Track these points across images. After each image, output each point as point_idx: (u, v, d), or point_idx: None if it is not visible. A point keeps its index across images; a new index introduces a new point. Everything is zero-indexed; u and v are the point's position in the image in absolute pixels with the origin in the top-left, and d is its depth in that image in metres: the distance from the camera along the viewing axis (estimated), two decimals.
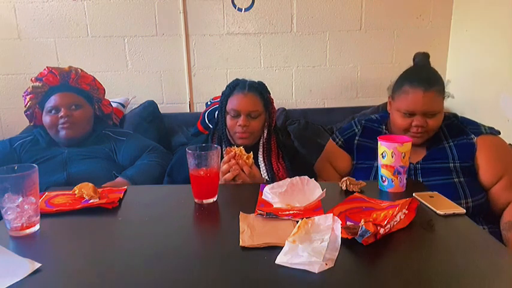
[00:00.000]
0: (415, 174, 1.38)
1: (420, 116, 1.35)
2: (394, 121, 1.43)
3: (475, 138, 1.39)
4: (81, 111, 1.64)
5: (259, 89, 1.52)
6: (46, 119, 1.63)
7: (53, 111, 1.61)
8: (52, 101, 1.62)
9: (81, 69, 1.71)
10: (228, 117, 1.49)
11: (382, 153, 1.15)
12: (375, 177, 1.40)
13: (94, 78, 1.74)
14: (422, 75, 1.39)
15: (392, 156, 1.13)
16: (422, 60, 1.45)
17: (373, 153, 1.41)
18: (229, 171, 1.26)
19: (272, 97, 1.57)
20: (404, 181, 1.15)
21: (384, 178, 1.16)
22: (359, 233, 0.82)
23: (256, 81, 1.56)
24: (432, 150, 1.41)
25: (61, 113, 1.59)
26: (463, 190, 1.32)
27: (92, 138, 1.68)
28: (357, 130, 1.55)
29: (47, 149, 1.63)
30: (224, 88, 1.56)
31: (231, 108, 1.47)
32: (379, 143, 1.16)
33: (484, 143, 1.38)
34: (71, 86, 1.67)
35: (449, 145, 1.41)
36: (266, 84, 1.57)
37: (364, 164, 1.48)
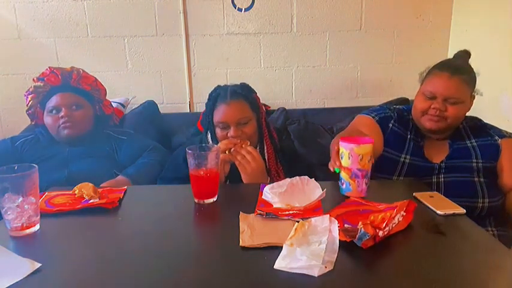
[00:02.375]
0: (438, 173, 1.37)
1: (441, 99, 1.34)
2: (415, 105, 1.43)
3: (499, 140, 1.40)
4: (82, 112, 1.65)
5: (243, 93, 1.43)
6: (47, 119, 1.64)
7: (53, 111, 1.62)
8: (53, 101, 1.63)
9: (82, 70, 1.71)
10: (217, 130, 1.42)
11: (340, 154, 1.09)
12: (399, 174, 1.39)
13: (95, 78, 1.74)
14: (453, 62, 1.41)
15: (349, 158, 1.06)
16: (460, 55, 1.45)
17: (401, 144, 1.41)
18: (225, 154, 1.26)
19: (269, 99, 1.53)
20: (364, 186, 1.08)
21: (342, 181, 1.10)
22: (358, 235, 0.82)
23: (239, 84, 1.48)
24: (455, 148, 1.41)
25: (62, 113, 1.60)
26: (482, 190, 1.32)
27: (93, 137, 1.69)
28: (392, 114, 1.50)
29: (48, 148, 1.64)
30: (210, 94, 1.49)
31: (218, 121, 1.40)
32: (339, 142, 1.11)
33: (509, 146, 1.39)
34: (72, 86, 1.67)
35: (472, 145, 1.41)
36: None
37: (390, 153, 1.43)
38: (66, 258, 0.84)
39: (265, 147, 1.47)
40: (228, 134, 1.38)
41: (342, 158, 1.09)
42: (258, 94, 1.52)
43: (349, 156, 1.06)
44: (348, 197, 1.10)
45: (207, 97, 1.48)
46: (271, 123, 1.62)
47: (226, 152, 1.30)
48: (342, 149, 1.09)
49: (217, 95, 1.43)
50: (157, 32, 2.32)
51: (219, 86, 1.48)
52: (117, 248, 0.89)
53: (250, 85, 1.51)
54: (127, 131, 1.84)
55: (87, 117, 1.68)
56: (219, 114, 1.40)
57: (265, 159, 1.44)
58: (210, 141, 1.46)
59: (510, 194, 1.36)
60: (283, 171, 1.45)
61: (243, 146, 1.29)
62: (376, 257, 0.81)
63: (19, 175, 0.91)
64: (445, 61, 1.44)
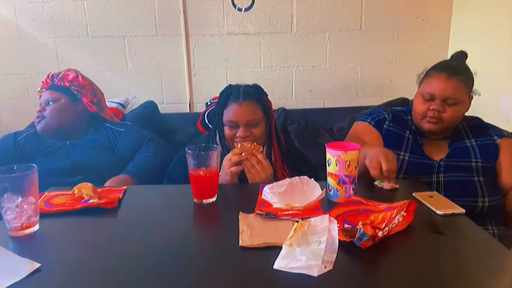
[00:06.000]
0: (438, 172, 1.37)
1: (439, 100, 1.35)
2: (414, 107, 1.43)
3: (498, 139, 1.40)
4: (53, 106, 1.70)
5: (255, 95, 1.41)
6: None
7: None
8: (39, 100, 1.74)
9: (68, 70, 1.76)
10: (226, 128, 1.40)
11: (328, 161, 1.10)
12: (399, 171, 1.38)
13: (78, 75, 1.77)
14: (450, 63, 1.41)
15: (336, 165, 1.07)
16: (457, 56, 1.46)
17: (399, 142, 1.42)
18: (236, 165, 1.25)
19: (270, 99, 1.47)
20: (351, 192, 1.09)
21: (330, 187, 1.11)
22: (357, 236, 0.82)
23: (251, 84, 1.46)
24: (454, 148, 1.41)
25: (38, 108, 1.70)
26: (482, 189, 1.32)
27: (90, 129, 1.76)
28: (386, 115, 1.52)
29: (47, 142, 1.69)
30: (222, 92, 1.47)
31: (228, 120, 1.38)
32: (326, 149, 1.11)
33: (508, 145, 1.40)
34: (56, 85, 1.75)
35: (471, 144, 1.41)
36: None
37: None
38: (65, 258, 0.84)
39: (273, 150, 1.45)
40: (237, 134, 1.37)
41: (329, 165, 1.10)
42: None
43: (336, 162, 1.07)
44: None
45: (218, 95, 1.46)
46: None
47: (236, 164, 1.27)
48: (329, 156, 1.09)
49: (230, 94, 1.40)
50: (157, 32, 2.31)
51: (231, 85, 1.45)
52: (117, 248, 0.89)
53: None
54: (125, 123, 1.90)
55: (62, 111, 1.71)
56: (229, 114, 1.38)
57: (271, 161, 1.41)
58: (218, 141, 1.44)
59: (509, 194, 1.37)
60: (289, 173, 1.43)
61: (254, 153, 1.27)
62: (375, 257, 0.81)
63: (18, 175, 0.91)
64: (442, 62, 1.44)
